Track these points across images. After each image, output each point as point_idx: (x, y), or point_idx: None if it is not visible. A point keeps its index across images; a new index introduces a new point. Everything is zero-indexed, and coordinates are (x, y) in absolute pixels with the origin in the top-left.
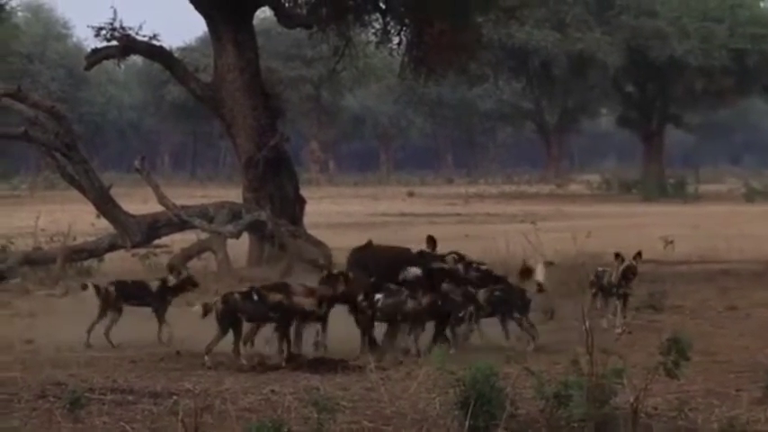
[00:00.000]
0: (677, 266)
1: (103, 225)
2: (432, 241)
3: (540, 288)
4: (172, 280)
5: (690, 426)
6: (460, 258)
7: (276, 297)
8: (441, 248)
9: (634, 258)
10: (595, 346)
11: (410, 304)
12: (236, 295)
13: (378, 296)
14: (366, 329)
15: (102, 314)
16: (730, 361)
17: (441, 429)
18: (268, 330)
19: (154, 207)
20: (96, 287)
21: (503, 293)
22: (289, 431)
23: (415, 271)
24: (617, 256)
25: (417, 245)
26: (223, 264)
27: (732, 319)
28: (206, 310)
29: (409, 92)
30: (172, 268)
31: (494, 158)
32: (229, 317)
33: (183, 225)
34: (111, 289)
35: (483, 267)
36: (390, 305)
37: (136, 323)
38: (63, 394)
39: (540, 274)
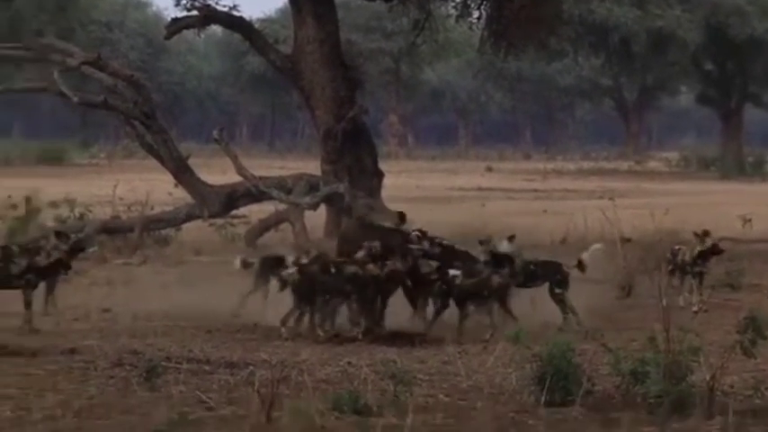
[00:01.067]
0: (755, 245)
1: (181, 195)
2: (401, 217)
3: (581, 266)
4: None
5: (766, 404)
6: (423, 235)
7: (352, 269)
8: (516, 223)
9: (703, 236)
10: (672, 324)
11: (497, 280)
12: (314, 267)
13: (453, 273)
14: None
15: (256, 287)
16: None
17: (516, 404)
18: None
19: (232, 178)
20: (243, 261)
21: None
22: (365, 403)
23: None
24: (696, 234)
25: (494, 219)
26: (300, 235)
27: None
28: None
29: (488, 66)
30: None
31: (572, 135)
32: (306, 289)
33: (260, 196)
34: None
35: (446, 243)
36: (476, 283)
37: (214, 294)
38: (139, 363)
39: (588, 254)
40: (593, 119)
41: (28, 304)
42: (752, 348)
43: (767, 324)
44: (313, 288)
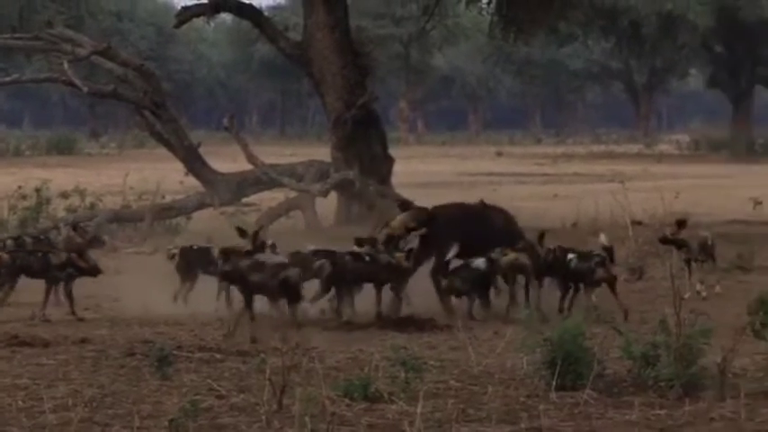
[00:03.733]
0: (765, 227)
1: (192, 183)
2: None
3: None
4: None
5: None
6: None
7: (385, 258)
8: (527, 207)
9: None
10: (683, 307)
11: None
12: (347, 257)
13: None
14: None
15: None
16: None
17: (527, 388)
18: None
19: (242, 165)
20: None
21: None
22: (376, 389)
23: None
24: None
25: (505, 204)
26: (311, 222)
27: None
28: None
29: (498, 51)
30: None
31: (582, 118)
32: (336, 276)
33: (271, 183)
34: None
35: None
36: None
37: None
38: (151, 352)
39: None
40: (602, 102)
41: (47, 295)
42: (763, 330)
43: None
44: (344, 276)
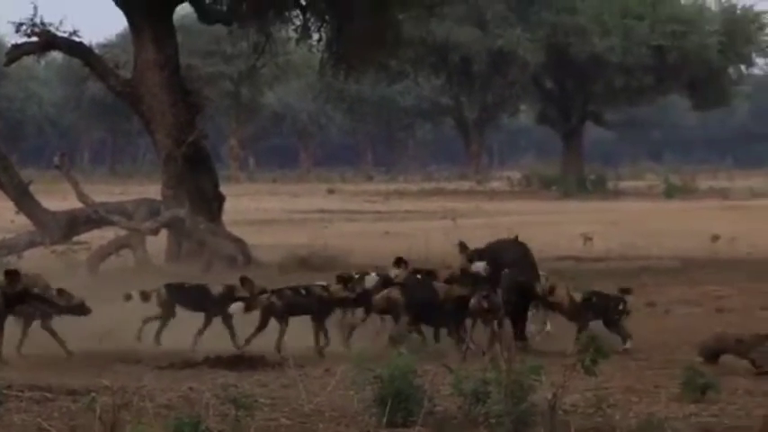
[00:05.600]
0: (596, 263)
1: (23, 222)
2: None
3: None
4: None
5: (607, 422)
6: None
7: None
8: (358, 246)
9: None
10: (514, 344)
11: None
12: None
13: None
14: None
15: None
16: (649, 358)
17: (358, 426)
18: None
19: (73, 204)
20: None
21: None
22: (207, 428)
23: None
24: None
25: (336, 241)
26: (142, 260)
27: (650, 316)
28: (248, 307)
29: (329, 88)
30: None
31: (413, 155)
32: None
33: (101, 222)
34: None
35: None
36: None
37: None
38: None
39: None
40: (433, 139)
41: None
42: (593, 367)
43: (608, 342)
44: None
